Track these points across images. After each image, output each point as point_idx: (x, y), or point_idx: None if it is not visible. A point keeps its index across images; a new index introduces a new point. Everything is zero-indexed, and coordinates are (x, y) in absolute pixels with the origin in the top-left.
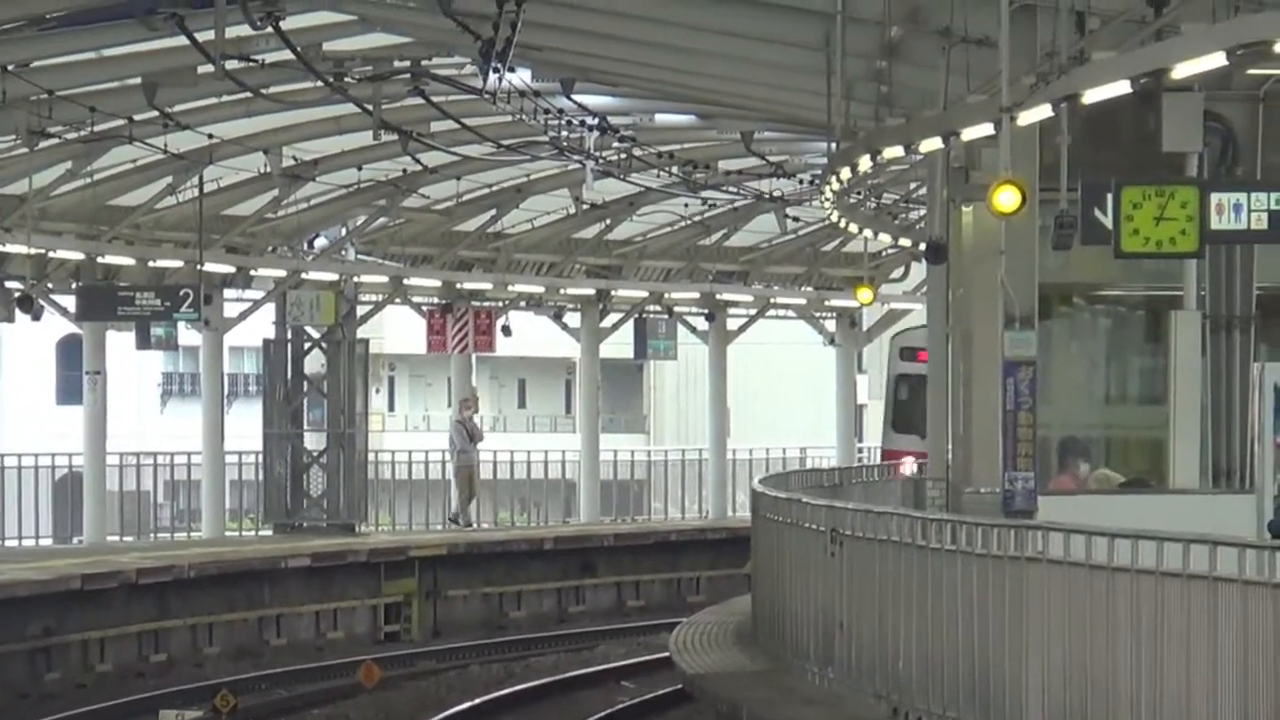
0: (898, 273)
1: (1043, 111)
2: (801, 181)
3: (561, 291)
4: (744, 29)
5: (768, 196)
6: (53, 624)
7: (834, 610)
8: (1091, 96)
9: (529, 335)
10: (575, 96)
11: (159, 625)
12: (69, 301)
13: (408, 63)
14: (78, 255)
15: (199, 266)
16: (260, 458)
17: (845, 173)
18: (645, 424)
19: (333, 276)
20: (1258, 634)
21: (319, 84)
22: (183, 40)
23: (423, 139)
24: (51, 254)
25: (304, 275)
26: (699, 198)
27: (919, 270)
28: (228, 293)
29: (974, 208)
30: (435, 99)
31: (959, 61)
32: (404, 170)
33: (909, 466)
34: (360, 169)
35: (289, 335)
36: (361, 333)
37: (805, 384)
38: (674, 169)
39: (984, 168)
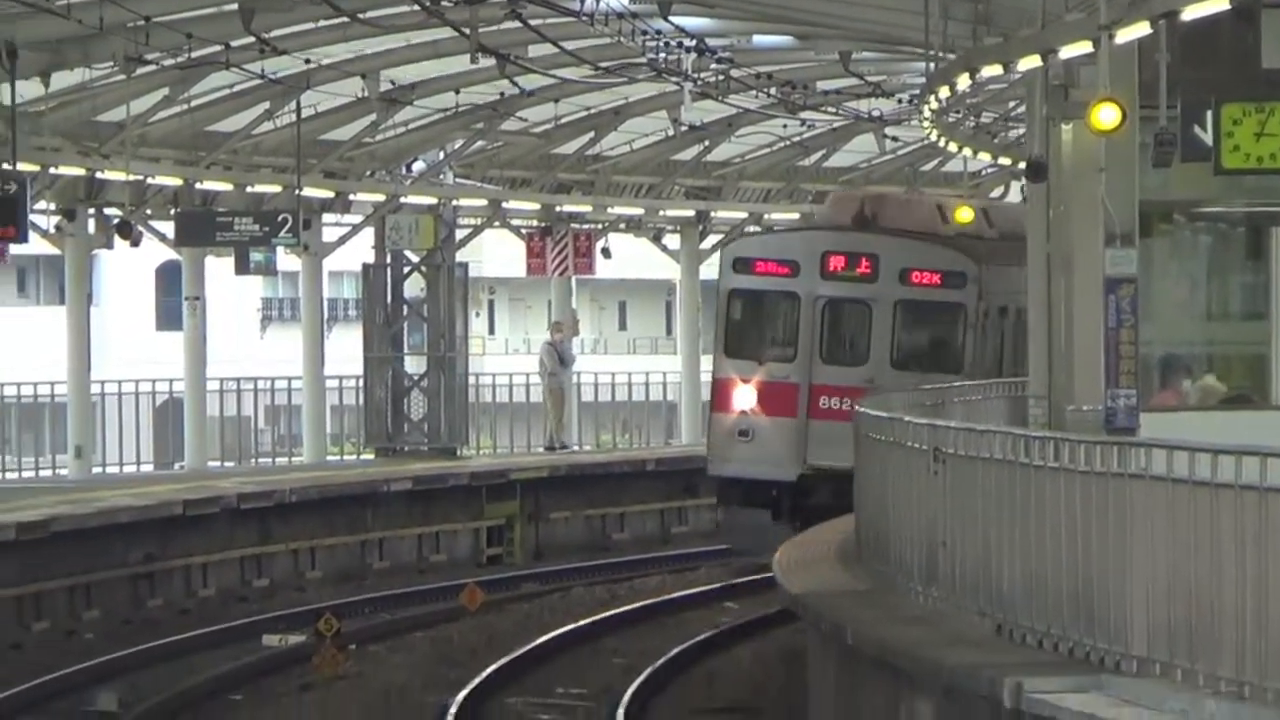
0: (997, 191)
1: (1141, 29)
2: (900, 101)
3: (660, 213)
4: None
5: (866, 116)
6: (155, 550)
7: (937, 529)
8: (1190, 13)
9: (629, 257)
10: (673, 18)
11: (261, 550)
12: (167, 228)
13: None
14: (176, 181)
15: (297, 192)
16: (360, 382)
17: (944, 92)
18: None
19: (431, 200)
20: None
21: (416, 8)
22: None
23: (520, 62)
24: (150, 180)
25: (402, 199)
26: (797, 119)
27: (1017, 189)
28: (326, 217)
29: (1073, 125)
30: (533, 22)
31: None
32: (501, 94)
33: (743, 399)
34: (458, 93)
35: (388, 259)
36: (460, 256)
37: None
38: (772, 90)
39: (1083, 85)
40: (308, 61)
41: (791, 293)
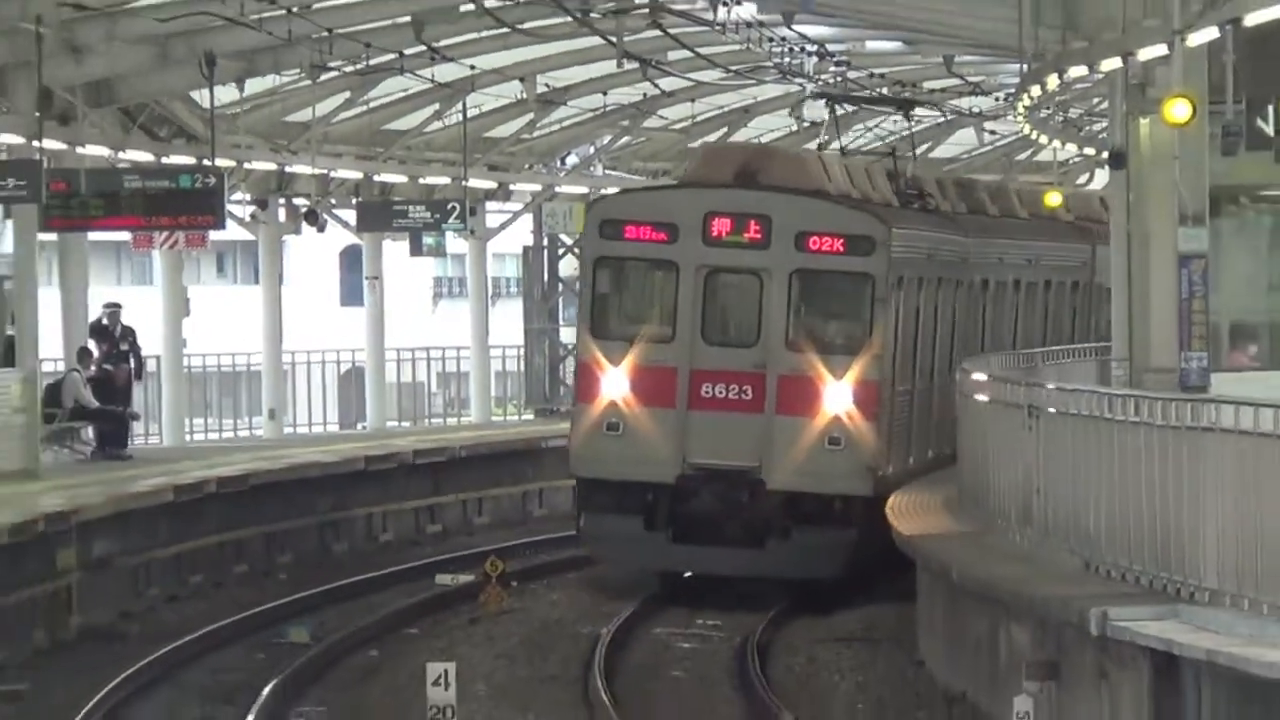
0: (1083, 178)
1: (1210, 33)
2: (997, 99)
3: None
4: None
5: (967, 113)
6: (340, 500)
7: (1031, 478)
8: (1253, 19)
9: None
10: (795, 27)
11: (434, 500)
12: (349, 215)
13: None
14: (356, 174)
15: (464, 182)
16: (521, 351)
17: (1035, 90)
18: None
19: (583, 189)
20: None
21: (568, 19)
22: None
23: (661, 66)
24: (333, 174)
25: (557, 189)
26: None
27: (1101, 175)
28: (489, 205)
29: (1150, 119)
30: (672, 31)
31: None
32: (644, 95)
33: (612, 387)
34: (605, 94)
35: (545, 242)
36: None
37: None
38: (884, 89)
39: (1158, 84)
40: (472, 68)
41: (669, 261)
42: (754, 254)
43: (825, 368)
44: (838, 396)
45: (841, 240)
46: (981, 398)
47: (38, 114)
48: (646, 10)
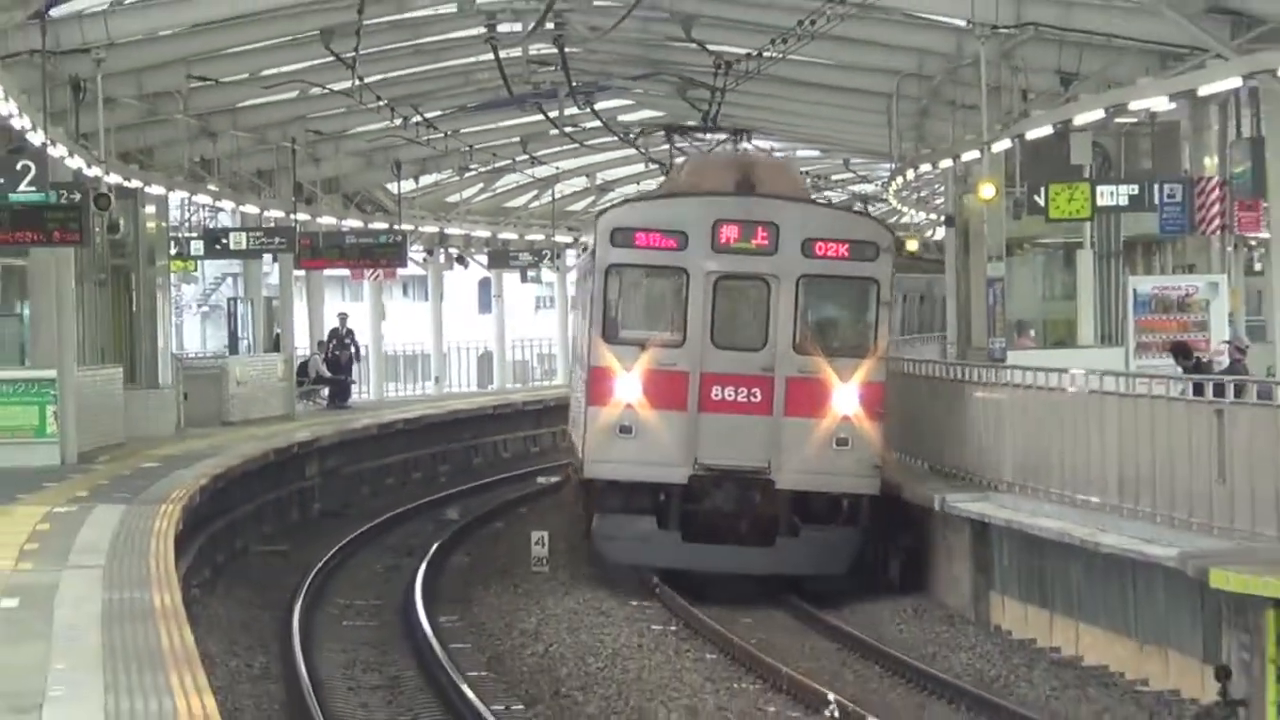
0: (930, 233)
1: (1006, 144)
2: (876, 185)
3: None
4: (842, 106)
5: (858, 196)
6: (478, 432)
7: (910, 418)
8: (1031, 135)
9: None
10: (755, 141)
11: (535, 432)
12: (483, 258)
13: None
14: (486, 234)
15: (552, 237)
16: None
17: (900, 180)
18: None
19: None
20: None
21: (614, 138)
22: (539, 116)
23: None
24: (472, 233)
25: None
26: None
27: (940, 231)
28: (569, 252)
29: (969, 197)
30: (679, 144)
31: (960, 117)
32: (659, 184)
33: (625, 390)
34: (639, 184)
35: None
36: None
37: None
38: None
39: (974, 175)
40: (557, 168)
41: (679, 268)
42: (762, 260)
43: (832, 370)
44: (845, 398)
45: (847, 246)
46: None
47: (292, 198)
48: (663, 134)
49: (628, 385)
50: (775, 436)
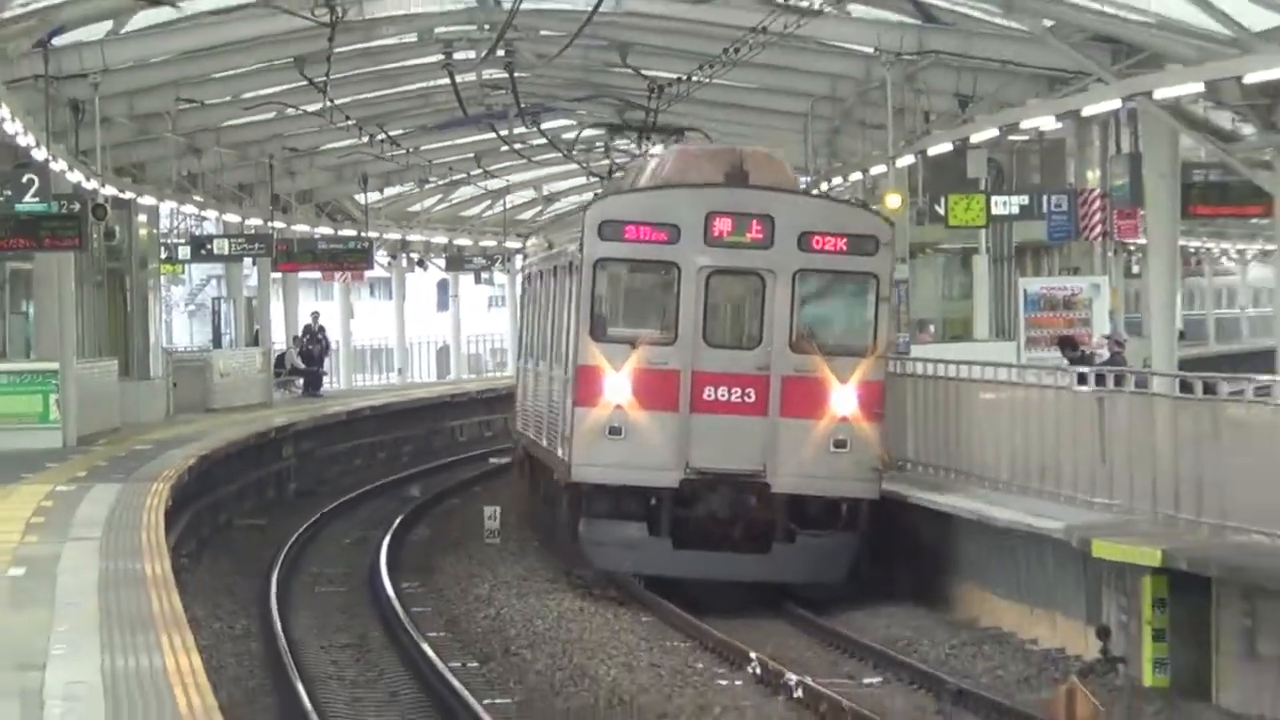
0: None
1: (909, 159)
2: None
3: None
4: (763, 125)
5: None
6: (437, 417)
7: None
8: (933, 151)
9: None
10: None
11: (488, 417)
12: (441, 262)
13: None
14: (444, 239)
15: (504, 243)
16: None
17: (815, 192)
18: None
19: None
20: None
21: (559, 154)
22: (491, 134)
23: (613, 176)
24: (431, 239)
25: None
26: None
27: None
28: (518, 257)
29: (878, 206)
30: (618, 160)
31: (869, 135)
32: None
33: (614, 390)
34: (581, 195)
35: None
36: None
37: None
38: None
39: (881, 187)
40: (507, 180)
41: (670, 262)
42: (756, 254)
43: (830, 369)
44: (843, 398)
45: (845, 239)
46: None
47: (270, 208)
48: (603, 149)
49: (617, 385)
50: (770, 438)
